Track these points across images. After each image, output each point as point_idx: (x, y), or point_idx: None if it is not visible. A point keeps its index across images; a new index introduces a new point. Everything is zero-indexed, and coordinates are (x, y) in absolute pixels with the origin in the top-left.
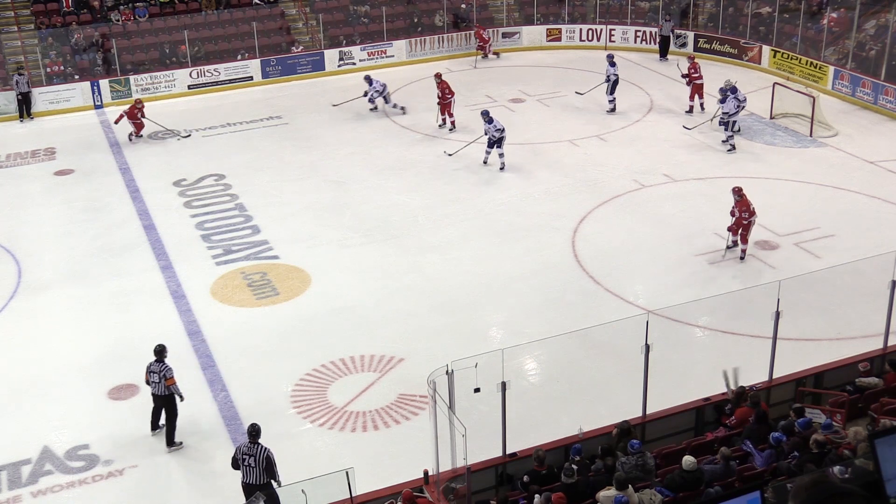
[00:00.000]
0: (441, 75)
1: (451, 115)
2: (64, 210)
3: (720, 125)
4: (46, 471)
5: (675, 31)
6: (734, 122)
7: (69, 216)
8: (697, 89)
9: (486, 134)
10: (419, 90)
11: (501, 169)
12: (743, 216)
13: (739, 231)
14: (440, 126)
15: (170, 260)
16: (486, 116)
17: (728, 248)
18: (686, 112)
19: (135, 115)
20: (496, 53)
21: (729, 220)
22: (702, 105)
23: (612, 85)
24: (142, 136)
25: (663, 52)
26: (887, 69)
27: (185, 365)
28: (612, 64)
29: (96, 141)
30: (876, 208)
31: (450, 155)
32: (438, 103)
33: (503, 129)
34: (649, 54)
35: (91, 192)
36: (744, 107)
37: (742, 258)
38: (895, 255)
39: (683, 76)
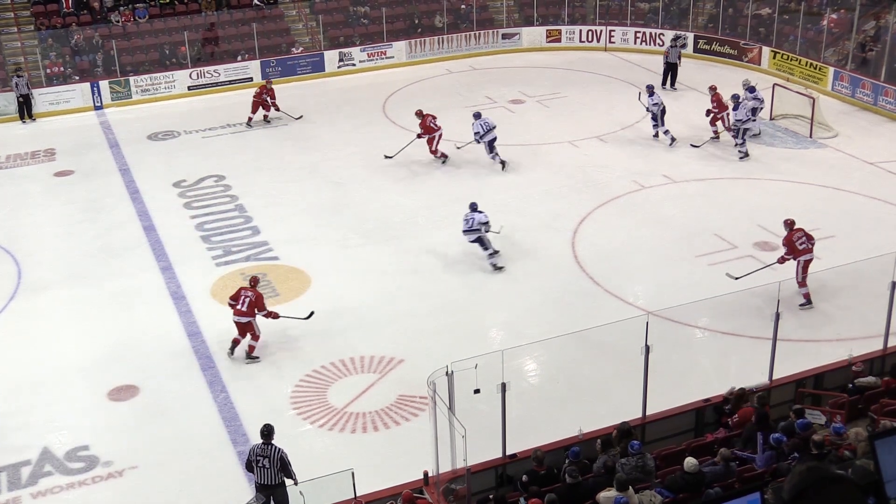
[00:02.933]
0: (423, 112)
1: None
2: (64, 211)
3: (732, 133)
4: (46, 472)
5: (682, 57)
6: (747, 129)
7: (69, 217)
8: (717, 119)
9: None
10: (419, 91)
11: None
12: (786, 255)
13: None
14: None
15: (170, 261)
16: (477, 117)
17: (801, 305)
18: (712, 138)
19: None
20: (265, 116)
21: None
22: (715, 132)
23: (660, 115)
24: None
25: (671, 81)
26: (887, 70)
27: (185, 366)
28: (652, 94)
29: (96, 142)
30: (876, 209)
31: (459, 148)
32: (424, 136)
33: (493, 127)
34: (649, 55)
35: (91, 193)
36: (762, 107)
37: (804, 304)
38: (895, 256)
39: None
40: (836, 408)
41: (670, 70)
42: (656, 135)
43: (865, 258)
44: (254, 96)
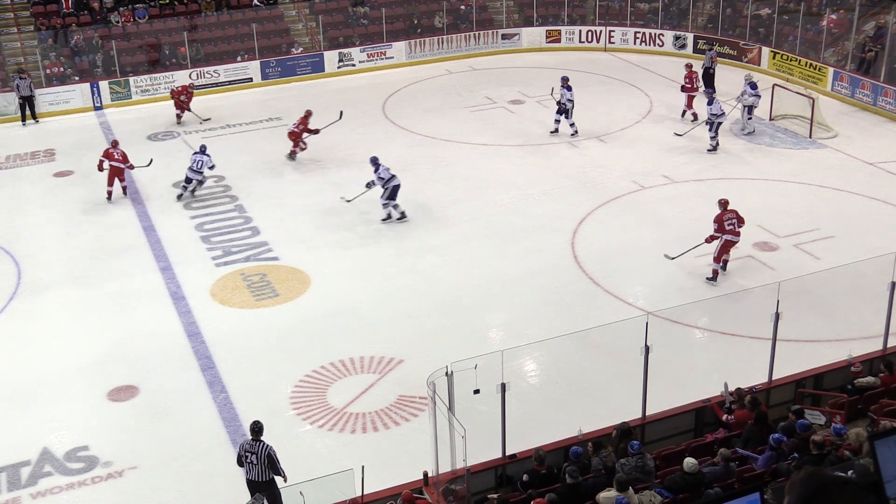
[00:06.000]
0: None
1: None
2: (63, 211)
3: (707, 125)
4: (46, 472)
5: (716, 61)
6: (720, 122)
7: (69, 217)
8: (691, 100)
9: (375, 184)
10: (419, 91)
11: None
12: (714, 232)
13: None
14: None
15: (169, 261)
16: (374, 163)
17: (707, 279)
18: (692, 120)
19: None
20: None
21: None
22: (694, 114)
23: (570, 110)
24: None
25: (709, 84)
26: (887, 70)
27: (185, 366)
28: (569, 88)
29: (96, 142)
30: (875, 210)
31: (348, 201)
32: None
33: (393, 178)
34: (649, 56)
35: (90, 194)
36: (758, 104)
37: (710, 278)
38: (895, 256)
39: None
40: (835, 408)
41: (706, 76)
42: (556, 130)
43: (865, 258)
44: (173, 95)
